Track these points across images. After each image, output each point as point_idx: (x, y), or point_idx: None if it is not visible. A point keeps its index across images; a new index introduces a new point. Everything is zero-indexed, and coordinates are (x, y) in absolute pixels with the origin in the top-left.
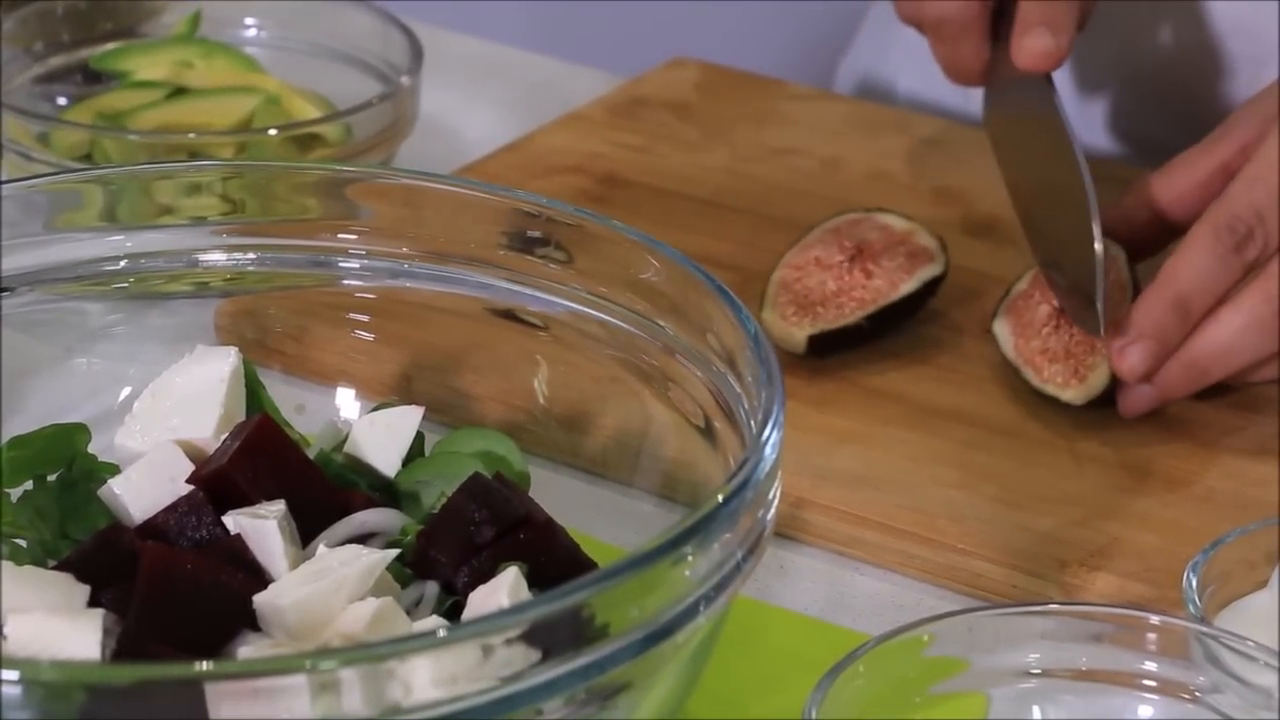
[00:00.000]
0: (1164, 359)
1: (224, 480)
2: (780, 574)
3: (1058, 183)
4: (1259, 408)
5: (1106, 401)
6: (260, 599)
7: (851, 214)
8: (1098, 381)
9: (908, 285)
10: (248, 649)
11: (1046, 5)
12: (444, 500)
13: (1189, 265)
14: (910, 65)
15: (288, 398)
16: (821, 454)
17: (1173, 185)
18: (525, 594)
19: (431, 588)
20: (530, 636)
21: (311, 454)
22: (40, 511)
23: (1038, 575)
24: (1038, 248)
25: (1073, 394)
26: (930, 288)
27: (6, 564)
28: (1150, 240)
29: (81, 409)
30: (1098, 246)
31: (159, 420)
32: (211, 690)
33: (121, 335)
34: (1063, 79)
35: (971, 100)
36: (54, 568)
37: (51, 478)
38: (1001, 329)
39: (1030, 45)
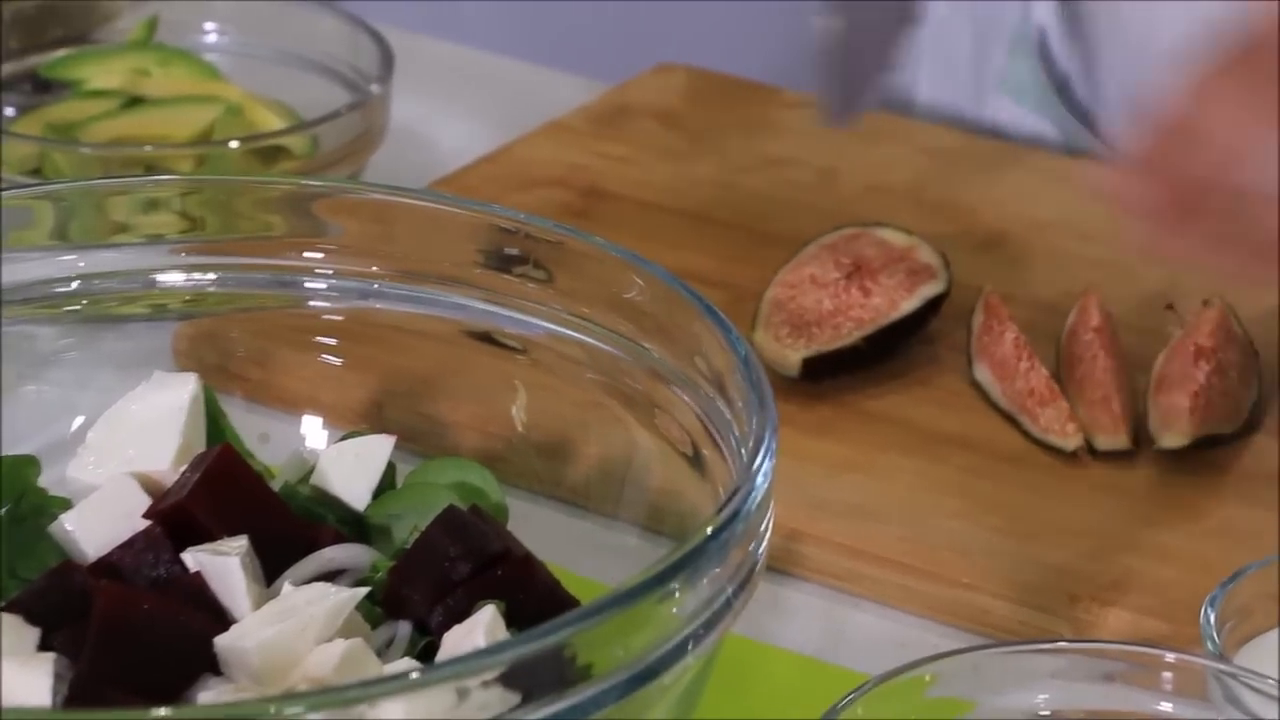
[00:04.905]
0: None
1: (183, 515)
2: (774, 611)
3: None
4: None
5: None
6: (222, 641)
7: (849, 229)
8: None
9: (908, 304)
10: (209, 694)
11: None
12: (417, 535)
13: None
14: (930, 71)
15: (251, 426)
16: (817, 483)
17: None
18: (503, 633)
19: (404, 628)
20: (509, 678)
21: (276, 486)
22: None
23: (1047, 611)
24: None
25: (1075, 441)
26: (932, 306)
27: None
28: None
29: (31, 440)
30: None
31: (114, 451)
32: None
33: (74, 361)
34: None
35: (992, 110)
36: (1, 609)
37: None
38: (983, 374)
39: None
